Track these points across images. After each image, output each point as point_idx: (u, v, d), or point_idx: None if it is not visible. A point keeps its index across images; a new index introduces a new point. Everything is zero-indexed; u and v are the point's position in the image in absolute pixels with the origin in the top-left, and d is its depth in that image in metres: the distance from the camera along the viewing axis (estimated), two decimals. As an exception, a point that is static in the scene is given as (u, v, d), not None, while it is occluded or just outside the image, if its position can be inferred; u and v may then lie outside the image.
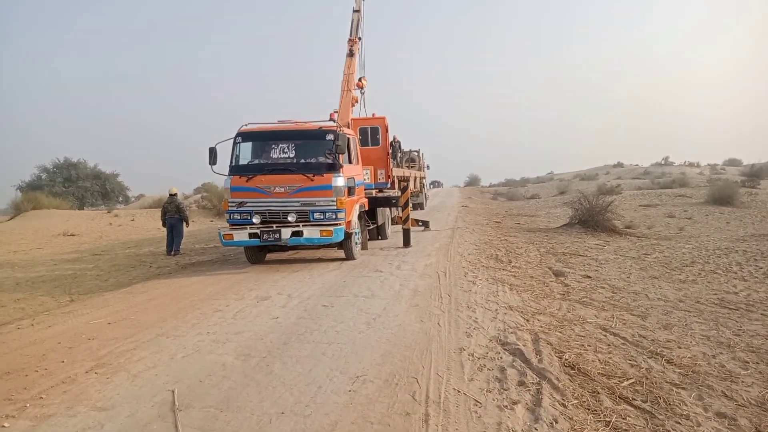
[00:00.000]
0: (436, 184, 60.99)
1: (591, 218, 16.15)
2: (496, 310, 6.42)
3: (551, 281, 8.87)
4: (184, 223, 13.74)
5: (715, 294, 8.22)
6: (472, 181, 78.29)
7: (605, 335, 5.82)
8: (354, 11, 14.50)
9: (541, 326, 5.88)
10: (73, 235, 19.85)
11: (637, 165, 68.95)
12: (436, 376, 4.13)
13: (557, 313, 6.61)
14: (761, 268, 9.95)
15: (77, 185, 35.92)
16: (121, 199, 40.59)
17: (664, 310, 7.25)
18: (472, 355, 4.67)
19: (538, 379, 4.20)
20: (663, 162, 65.81)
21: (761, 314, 7.05)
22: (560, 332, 5.73)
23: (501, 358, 4.66)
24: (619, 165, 70.70)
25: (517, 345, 4.97)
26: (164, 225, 13.70)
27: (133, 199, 43.96)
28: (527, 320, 6.09)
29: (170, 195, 13.90)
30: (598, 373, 4.50)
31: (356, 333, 5.31)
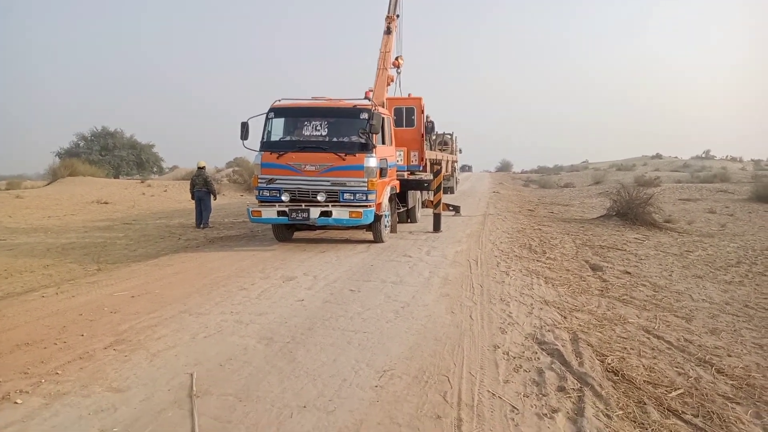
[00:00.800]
0: (466, 168, 60.21)
1: (630, 211, 15.50)
2: (531, 304, 6.09)
3: (588, 276, 8.46)
4: (212, 197, 13.69)
5: (766, 298, 7.71)
6: (504, 167, 77.30)
7: (649, 338, 5.44)
8: None
9: (580, 325, 5.53)
10: (107, 203, 20.13)
11: (676, 157, 66.86)
12: (468, 376, 3.86)
13: (596, 311, 6.25)
14: (815, 273, 9.33)
15: (113, 154, 36.60)
16: (155, 169, 41.31)
17: (710, 312, 6.82)
18: (507, 354, 4.38)
19: (579, 384, 3.88)
20: (704, 155, 63.78)
21: (818, 324, 6.55)
22: (600, 332, 5.39)
23: (538, 358, 4.35)
24: (658, 156, 68.65)
25: (556, 345, 4.65)
26: (193, 198, 13.70)
27: (167, 170, 44.69)
28: (565, 317, 5.75)
29: (198, 168, 13.86)
30: (644, 381, 4.15)
31: (384, 322, 5.07)
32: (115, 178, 34.22)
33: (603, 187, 32.12)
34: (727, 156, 62.89)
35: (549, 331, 5.11)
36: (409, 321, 5.10)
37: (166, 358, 4.11)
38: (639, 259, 10.30)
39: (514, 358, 4.32)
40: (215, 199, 14.04)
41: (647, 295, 7.54)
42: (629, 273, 8.94)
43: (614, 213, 16.28)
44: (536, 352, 4.50)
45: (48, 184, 26.37)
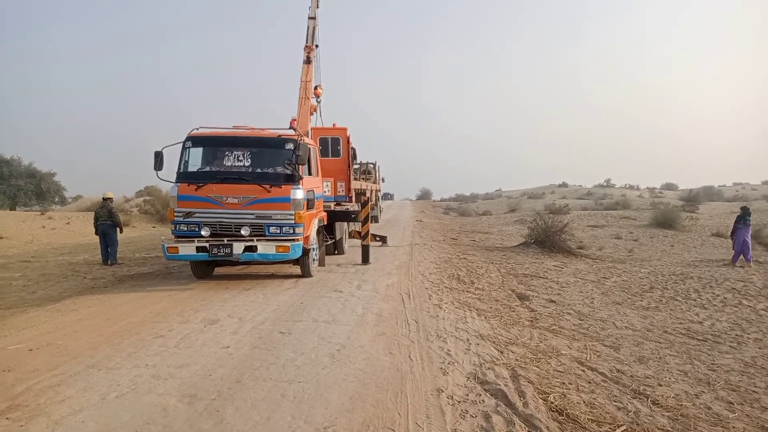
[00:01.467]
0: (388, 196, 60.89)
1: (547, 239, 16.14)
2: (468, 339, 5.98)
3: (517, 306, 8.56)
4: (118, 230, 12.71)
5: (681, 323, 8.12)
6: (424, 195, 79.00)
7: (583, 371, 5.48)
8: (309, 18, 13.99)
9: (517, 359, 5.48)
10: (1, 238, 18.23)
11: (580, 186, 71.24)
12: (415, 427, 3.62)
13: (530, 344, 6.25)
14: (718, 296, 10.01)
15: (9, 183, 33.59)
16: (57, 199, 38.36)
17: (634, 340, 7.04)
18: (452, 398, 4.19)
19: (527, 428, 3.76)
20: (605, 184, 68.31)
21: (729, 347, 6.94)
22: (537, 367, 5.35)
23: (483, 401, 4.19)
24: (564, 185, 72.82)
25: (498, 384, 4.53)
26: (97, 232, 12.65)
27: (70, 200, 41.53)
28: (501, 352, 5.68)
29: (104, 199, 12.81)
30: (588, 419, 4.11)
31: (319, 368, 4.73)
32: (11, 209, 31.33)
33: (518, 215, 33.51)
34: (626, 184, 67.83)
35: (489, 368, 5.00)
36: (346, 366, 4.79)
37: (72, 426, 3.56)
38: (561, 286, 10.62)
39: (459, 402, 4.14)
40: (121, 232, 13.01)
41: (574, 324, 7.70)
42: (554, 302, 9.15)
43: (533, 241, 16.87)
44: (480, 394, 4.35)
45: (-72, 217, 23.61)
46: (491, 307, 8.20)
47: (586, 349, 6.36)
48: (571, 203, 43.09)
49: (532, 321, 7.66)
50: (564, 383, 4.96)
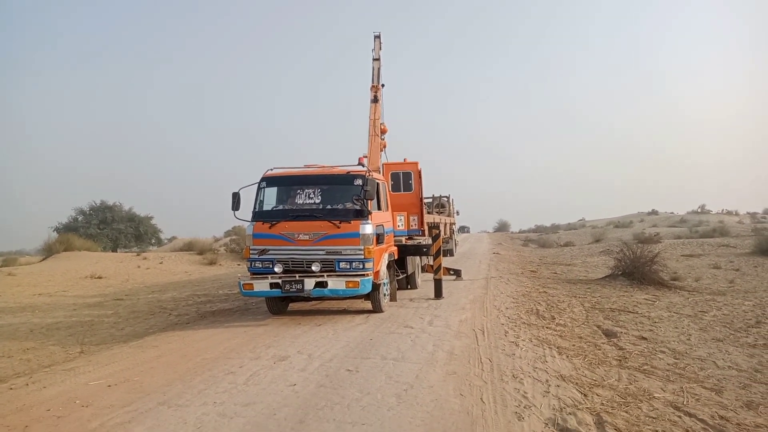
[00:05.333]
0: (464, 229, 60.05)
1: (636, 270, 15.06)
2: (547, 380, 5.55)
3: (603, 343, 7.93)
4: None
5: (796, 363, 7.15)
6: (502, 227, 77.31)
7: (680, 417, 4.89)
8: (373, 59, 14.29)
9: (603, 404, 4.99)
10: (100, 278, 19.65)
11: (672, 213, 67.18)
12: (485, 479, 3.33)
13: (618, 386, 5.71)
14: (841, 332, 8.79)
15: (112, 227, 36.31)
16: (153, 241, 40.89)
17: (739, 382, 6.26)
18: (527, 447, 3.84)
19: (613, 484, 3.35)
20: (699, 210, 64.19)
21: None
22: (626, 412, 4.84)
23: (562, 451, 3.81)
24: (654, 213, 68.99)
25: (580, 432, 4.11)
26: None
27: (165, 241, 44.29)
28: (585, 395, 5.21)
29: None
30: (686, 475, 3.61)
31: (385, 409, 4.53)
32: (113, 251, 33.80)
33: (603, 245, 31.80)
34: (722, 210, 63.38)
35: (571, 414, 4.58)
36: (413, 408, 4.56)
37: (136, 466, 3.57)
38: (653, 322, 9.78)
39: (535, 451, 3.79)
40: None
41: (668, 364, 6.99)
42: (645, 338, 8.41)
43: (620, 273, 15.82)
44: (559, 443, 3.96)
45: (43, 259, 25.92)
46: (574, 345, 7.65)
47: (683, 391, 5.71)
48: (663, 231, 40.41)
49: (620, 360, 7.04)
50: (657, 431, 4.44)
